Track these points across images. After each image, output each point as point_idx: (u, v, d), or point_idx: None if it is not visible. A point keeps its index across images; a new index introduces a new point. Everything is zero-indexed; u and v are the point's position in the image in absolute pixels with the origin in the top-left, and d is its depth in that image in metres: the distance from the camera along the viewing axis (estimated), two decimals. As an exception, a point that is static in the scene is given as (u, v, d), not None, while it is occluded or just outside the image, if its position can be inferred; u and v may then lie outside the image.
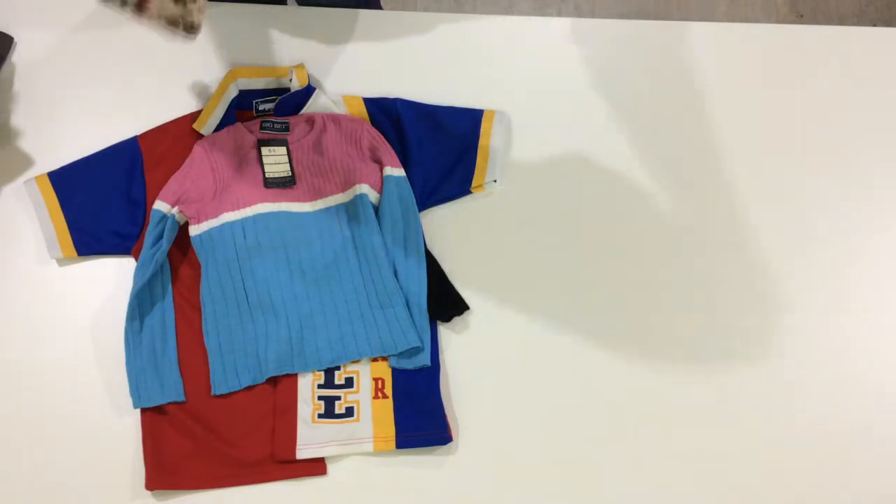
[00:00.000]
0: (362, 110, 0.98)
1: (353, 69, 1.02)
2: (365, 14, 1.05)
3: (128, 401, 0.89)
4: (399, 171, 0.94)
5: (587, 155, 0.99)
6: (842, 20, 1.91)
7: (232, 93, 0.97)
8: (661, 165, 0.98)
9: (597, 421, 0.88)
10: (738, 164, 0.98)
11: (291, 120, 0.96)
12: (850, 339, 0.92)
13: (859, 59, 1.03)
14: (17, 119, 1.00)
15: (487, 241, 0.95)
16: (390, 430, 0.87)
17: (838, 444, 0.88)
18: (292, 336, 0.89)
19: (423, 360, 0.88)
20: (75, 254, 0.93)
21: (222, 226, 0.92)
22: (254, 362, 0.88)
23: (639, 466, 0.87)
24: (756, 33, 1.04)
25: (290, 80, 0.99)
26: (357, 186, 0.93)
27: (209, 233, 0.91)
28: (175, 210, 0.92)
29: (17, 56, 1.03)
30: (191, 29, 0.79)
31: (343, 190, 0.94)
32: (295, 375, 0.89)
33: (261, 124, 0.96)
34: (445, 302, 0.91)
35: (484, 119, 0.98)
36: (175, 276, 0.92)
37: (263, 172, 0.94)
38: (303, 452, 0.86)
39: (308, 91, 0.97)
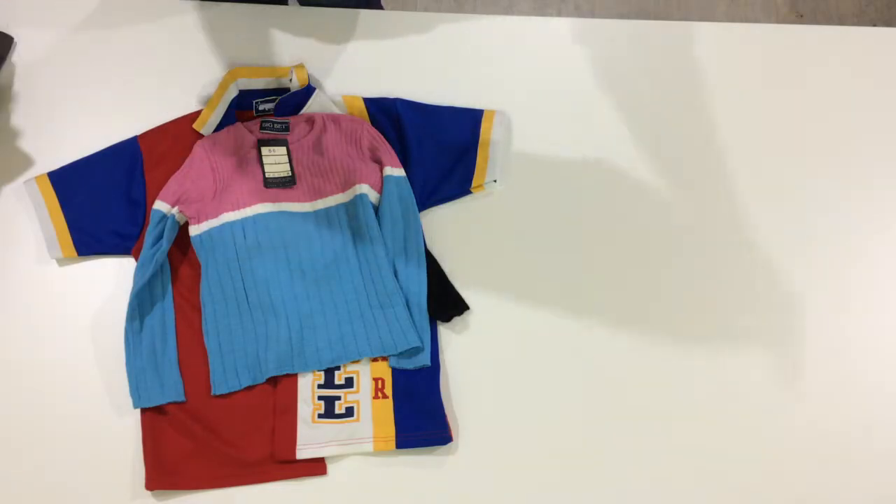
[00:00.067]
0: (362, 110, 0.98)
1: (353, 69, 1.02)
2: (365, 14, 1.05)
3: (128, 401, 0.89)
4: (399, 171, 0.94)
5: (587, 155, 0.99)
6: (842, 20, 1.91)
7: (232, 93, 0.97)
8: (661, 165, 0.98)
9: (597, 420, 0.88)
10: (738, 164, 0.98)
11: (291, 120, 0.96)
12: (850, 339, 0.92)
13: (859, 59, 1.03)
14: (17, 119, 1.00)
15: (487, 241, 0.95)
16: (390, 430, 0.87)
17: (838, 444, 0.88)
18: (292, 336, 0.89)
19: (423, 360, 0.88)
20: (75, 254, 0.93)
21: (222, 226, 0.91)
22: (254, 362, 0.88)
23: (639, 466, 0.87)
24: (756, 33, 1.04)
25: (290, 80, 0.99)
26: (357, 186, 0.93)
27: (209, 233, 0.91)
28: (175, 210, 0.92)
29: (17, 56, 1.03)
30: None
31: (343, 190, 0.94)
32: (295, 375, 0.89)
33: (261, 124, 0.96)
34: (445, 302, 0.91)
35: (484, 119, 0.98)
36: (175, 276, 0.92)
37: (263, 172, 0.94)
38: (303, 452, 0.86)
39: (308, 91, 0.97)
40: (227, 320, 0.89)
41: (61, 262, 0.95)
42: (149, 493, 0.86)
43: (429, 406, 0.88)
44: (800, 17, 1.92)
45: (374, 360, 0.89)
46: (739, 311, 0.92)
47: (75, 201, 0.94)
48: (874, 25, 1.91)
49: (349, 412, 0.87)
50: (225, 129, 0.96)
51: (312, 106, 0.97)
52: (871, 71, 1.03)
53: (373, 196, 0.93)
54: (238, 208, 0.92)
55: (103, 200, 0.94)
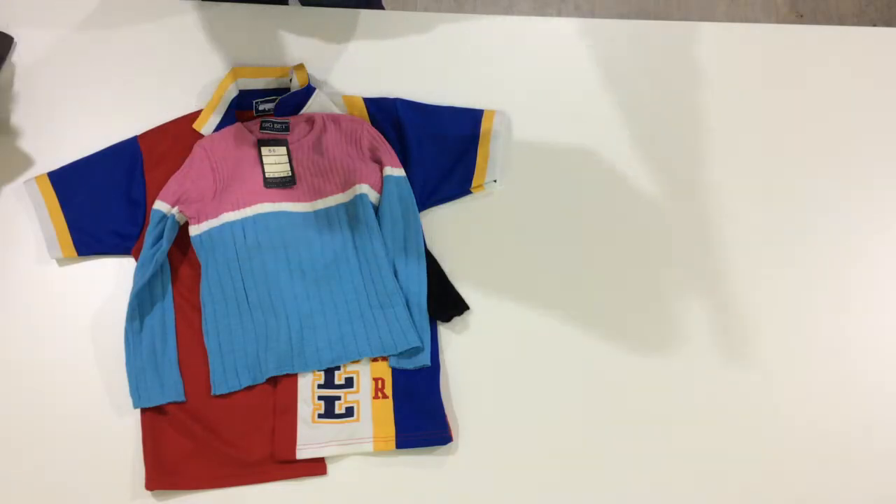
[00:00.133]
0: (362, 110, 0.98)
1: (353, 69, 1.02)
2: (365, 14, 1.05)
3: (128, 401, 0.89)
4: (399, 171, 0.94)
5: (587, 155, 0.99)
6: (842, 20, 1.91)
7: (232, 93, 0.97)
8: (661, 165, 0.98)
9: (597, 420, 0.88)
10: (738, 164, 0.98)
11: (291, 120, 0.96)
12: (850, 339, 0.92)
13: (859, 59, 1.03)
14: (17, 119, 1.00)
15: (487, 241, 0.95)
16: (390, 430, 0.87)
17: (838, 444, 0.88)
18: (292, 336, 0.89)
19: (423, 360, 0.88)
20: (75, 254, 0.93)
21: (222, 226, 0.92)
22: (254, 362, 0.88)
23: (639, 466, 0.87)
24: (756, 33, 1.04)
25: (290, 80, 0.99)
26: (357, 186, 0.93)
27: (209, 233, 0.91)
28: (175, 210, 0.92)
29: (17, 56, 1.03)
30: None
31: (343, 190, 0.94)
32: (295, 375, 0.89)
33: (261, 124, 0.96)
34: (445, 302, 0.91)
35: (484, 119, 0.98)
36: (175, 276, 0.92)
37: (263, 172, 0.94)
38: (303, 452, 0.86)
39: (308, 91, 0.97)
40: (227, 320, 0.89)
41: (61, 262, 0.95)
42: (149, 493, 0.86)
43: (429, 406, 0.88)
44: (800, 17, 1.92)
45: (374, 360, 0.89)
46: (739, 310, 0.92)
47: (75, 201, 0.94)
48: (874, 25, 1.91)
49: (349, 412, 0.87)
50: (225, 129, 0.96)
51: (312, 106, 0.97)
52: (871, 71, 1.03)
53: (373, 196, 0.93)
54: (238, 208, 0.92)
55: (103, 200, 0.94)
